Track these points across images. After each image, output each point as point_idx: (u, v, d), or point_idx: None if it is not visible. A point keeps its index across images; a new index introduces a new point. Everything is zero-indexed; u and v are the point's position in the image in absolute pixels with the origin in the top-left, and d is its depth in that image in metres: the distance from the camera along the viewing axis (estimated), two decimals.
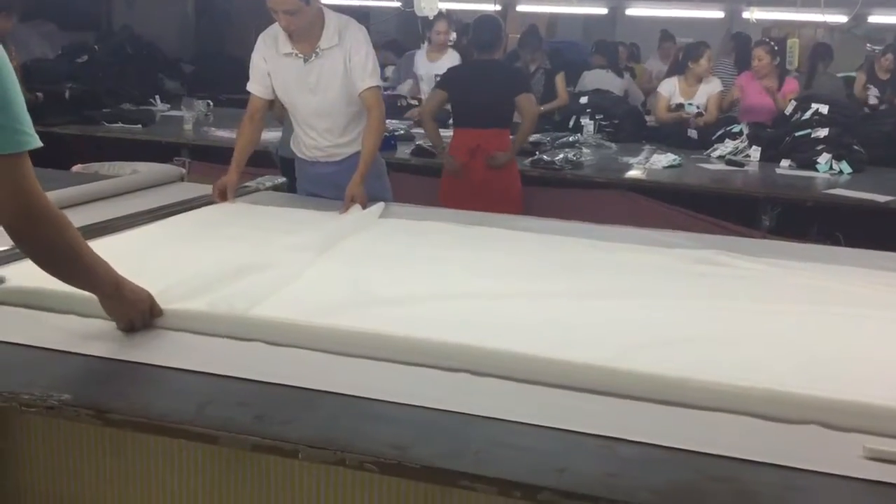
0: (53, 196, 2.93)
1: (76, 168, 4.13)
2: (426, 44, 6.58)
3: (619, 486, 1.35)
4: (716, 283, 2.40)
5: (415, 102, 6.51)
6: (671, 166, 5.20)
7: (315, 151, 3.45)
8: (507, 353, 1.74)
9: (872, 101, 7.17)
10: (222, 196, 3.17)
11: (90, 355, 1.76)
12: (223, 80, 8.77)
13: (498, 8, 8.21)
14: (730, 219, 4.50)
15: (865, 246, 2.99)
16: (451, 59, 6.22)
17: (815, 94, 5.92)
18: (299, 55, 3.29)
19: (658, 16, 9.63)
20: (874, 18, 8.52)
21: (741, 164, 5.35)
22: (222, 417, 1.53)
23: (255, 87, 3.45)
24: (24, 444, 1.76)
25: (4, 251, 2.26)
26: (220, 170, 5.23)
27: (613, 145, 5.90)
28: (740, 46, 7.62)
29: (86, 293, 1.82)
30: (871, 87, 7.36)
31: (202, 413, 1.54)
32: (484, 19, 4.66)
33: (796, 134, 5.40)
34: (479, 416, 1.56)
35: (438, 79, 5.01)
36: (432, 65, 6.20)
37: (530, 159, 5.02)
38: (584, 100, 6.46)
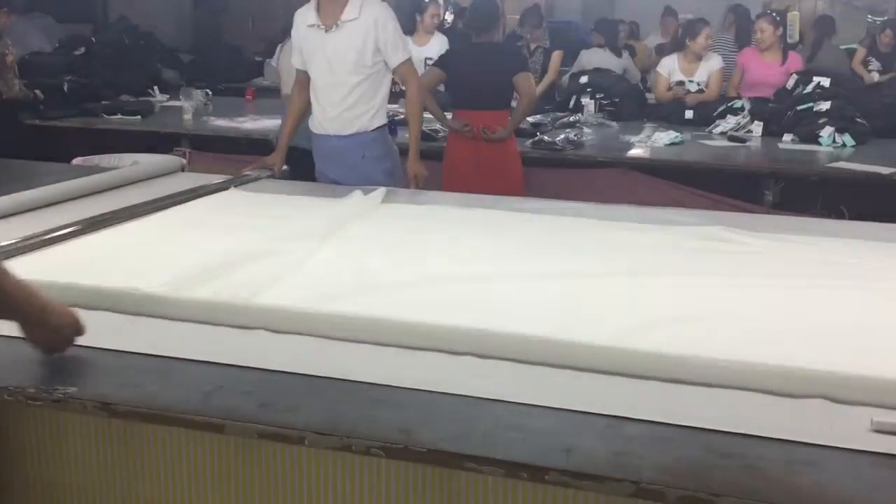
0: (54, 190, 2.95)
1: (76, 161, 4.11)
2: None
3: (626, 465, 1.34)
4: (721, 260, 2.39)
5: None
6: (673, 144, 5.18)
7: (326, 124, 3.63)
8: (511, 335, 1.73)
9: (873, 76, 7.10)
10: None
11: (95, 347, 1.76)
12: (221, 69, 8.77)
13: None
14: (733, 195, 4.49)
15: (870, 218, 2.97)
16: (439, 41, 6.23)
17: (816, 67, 5.88)
18: (321, 26, 3.52)
19: None
20: None
21: (743, 140, 5.32)
22: (227, 406, 1.53)
23: (295, 60, 3.71)
24: (30, 436, 1.76)
25: (8, 245, 2.25)
26: (221, 159, 5.26)
27: (614, 124, 5.88)
28: (740, 20, 7.56)
29: (90, 284, 1.81)
30: (873, 59, 7.30)
31: (207, 402, 1.54)
32: (479, 2, 4.63)
33: (798, 108, 5.37)
34: (484, 398, 1.56)
35: (430, 61, 5.00)
36: (420, 49, 6.18)
37: (531, 140, 5.00)
38: (584, 79, 6.42)
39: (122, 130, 5.77)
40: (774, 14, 6.19)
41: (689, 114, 5.89)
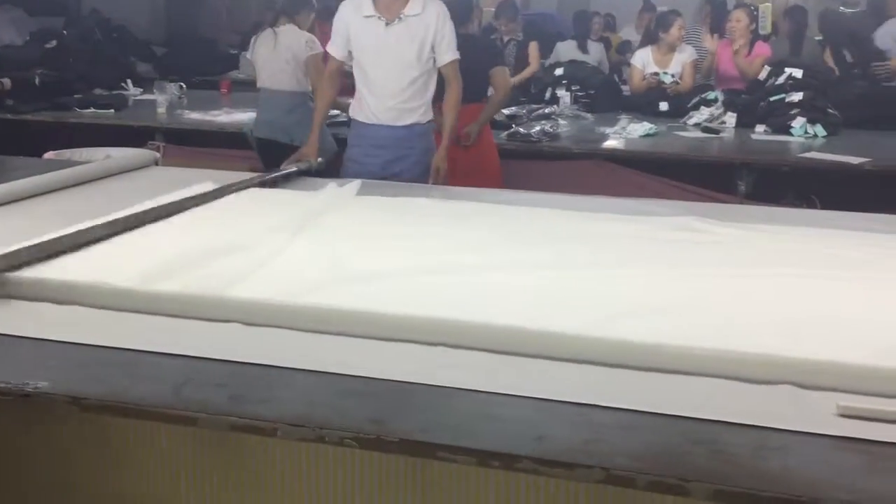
0: (26, 184, 2.92)
1: (48, 155, 4.08)
2: None
3: (597, 452, 1.36)
4: (693, 250, 2.40)
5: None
6: (647, 135, 5.21)
7: (380, 115, 3.72)
8: (483, 325, 1.74)
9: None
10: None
11: (65, 342, 1.75)
12: (196, 62, 8.70)
13: None
14: (706, 185, 4.53)
15: (841, 208, 3.00)
16: None
17: (788, 59, 5.93)
18: (381, 18, 3.59)
19: None
20: None
21: (717, 131, 5.36)
22: (199, 399, 1.52)
23: (333, 48, 3.79)
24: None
25: None
26: (196, 153, 5.22)
27: (590, 116, 5.90)
28: (715, 12, 7.59)
29: (60, 279, 1.80)
30: (846, 52, 7.35)
31: (179, 395, 1.54)
32: None
33: (771, 99, 5.43)
34: (456, 388, 1.56)
35: None
36: None
37: (507, 132, 5.01)
38: (559, 71, 6.44)
39: (95, 124, 5.72)
40: (751, 6, 6.23)
41: (663, 105, 5.93)
